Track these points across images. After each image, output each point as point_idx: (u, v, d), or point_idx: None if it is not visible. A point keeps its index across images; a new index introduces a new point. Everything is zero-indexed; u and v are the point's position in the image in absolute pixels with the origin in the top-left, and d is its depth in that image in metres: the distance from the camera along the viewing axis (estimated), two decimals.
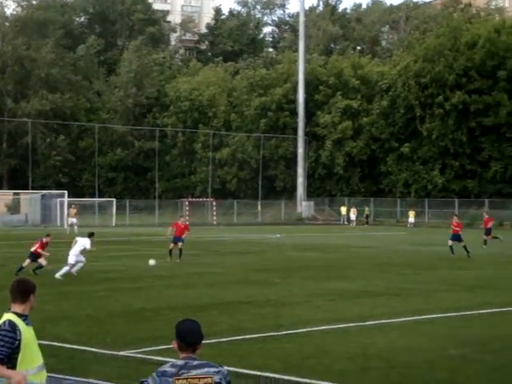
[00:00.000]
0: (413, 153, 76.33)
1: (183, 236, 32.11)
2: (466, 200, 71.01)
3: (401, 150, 76.86)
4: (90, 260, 31.29)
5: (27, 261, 25.56)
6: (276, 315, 17.15)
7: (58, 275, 23.98)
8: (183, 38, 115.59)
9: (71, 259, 25.04)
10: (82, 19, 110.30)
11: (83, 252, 25.29)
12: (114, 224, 66.83)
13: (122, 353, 12.86)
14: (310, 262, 31.94)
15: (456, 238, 34.18)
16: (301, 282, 23.79)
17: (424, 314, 17.24)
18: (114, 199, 71.17)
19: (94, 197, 75.68)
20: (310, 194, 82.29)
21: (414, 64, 77.30)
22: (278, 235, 50.06)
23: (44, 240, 26.17)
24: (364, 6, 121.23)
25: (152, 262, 27.36)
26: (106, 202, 72.94)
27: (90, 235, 25.93)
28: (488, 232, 40.23)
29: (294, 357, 12.67)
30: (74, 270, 25.04)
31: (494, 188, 71.94)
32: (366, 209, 73.28)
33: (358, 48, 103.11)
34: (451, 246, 33.83)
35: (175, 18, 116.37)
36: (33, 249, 25.97)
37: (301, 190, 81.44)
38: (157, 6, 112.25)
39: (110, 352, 12.89)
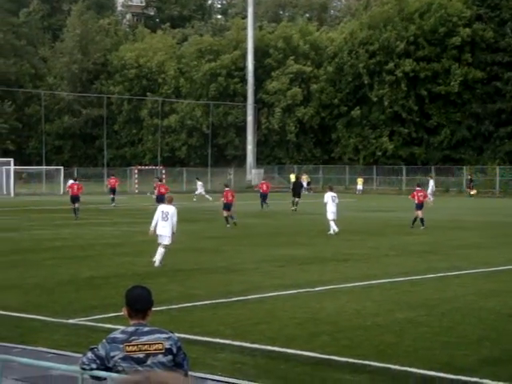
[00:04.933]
0: (362, 119, 76.81)
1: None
2: (414, 167, 71.85)
3: (351, 115, 77.19)
4: (38, 229, 31.03)
5: None
6: (226, 282, 17.21)
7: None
8: (130, 3, 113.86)
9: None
10: None
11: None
12: (61, 192, 66.02)
13: (71, 321, 12.78)
14: (259, 229, 32.05)
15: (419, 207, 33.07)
16: (250, 249, 23.89)
17: (372, 280, 17.45)
18: (62, 167, 70.25)
19: (42, 165, 74.58)
20: (261, 161, 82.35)
21: (361, 31, 77.57)
22: (210, 198, 49.90)
23: None
24: None
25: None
26: (53, 170, 71.98)
27: None
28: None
29: (245, 323, 12.75)
30: None
31: (441, 155, 72.96)
32: (307, 176, 73.18)
33: (307, 15, 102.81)
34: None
35: None
36: None
37: (250, 157, 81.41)
38: None
39: (58, 320, 12.81)
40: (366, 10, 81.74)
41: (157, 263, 19.66)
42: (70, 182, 45.60)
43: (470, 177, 66.60)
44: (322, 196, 32.18)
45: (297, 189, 45.20)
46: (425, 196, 33.67)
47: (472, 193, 63.81)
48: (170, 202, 20.39)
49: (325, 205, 30.11)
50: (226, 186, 35.61)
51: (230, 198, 33.24)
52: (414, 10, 75.05)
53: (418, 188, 33.64)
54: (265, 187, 45.40)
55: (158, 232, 19.90)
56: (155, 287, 12.06)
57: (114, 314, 12.67)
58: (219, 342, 11.31)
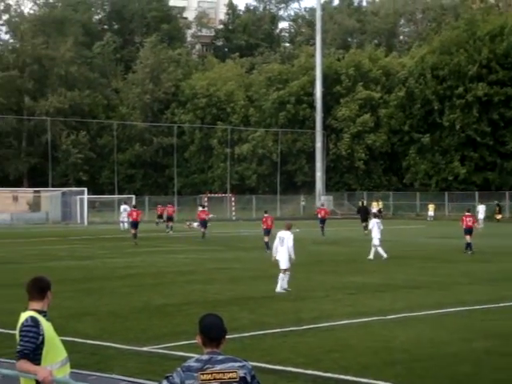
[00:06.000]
0: (433, 144, 76.04)
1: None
2: (486, 192, 70.58)
3: (421, 141, 76.58)
4: (111, 257, 31.52)
5: None
6: (297, 309, 17.15)
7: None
8: (199, 33, 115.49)
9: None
10: (100, 17, 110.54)
11: None
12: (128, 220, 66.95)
13: (144, 348, 12.91)
14: (330, 256, 31.90)
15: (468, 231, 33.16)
16: (320, 276, 23.76)
17: (445, 308, 17.16)
18: (134, 196, 71.32)
19: (114, 194, 75.84)
20: (330, 188, 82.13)
21: (431, 56, 76.96)
22: (298, 230, 49.91)
23: None
24: None
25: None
26: (125, 199, 73.11)
27: None
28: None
29: (316, 351, 12.65)
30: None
31: None
32: (380, 203, 72.80)
33: (375, 41, 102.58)
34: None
35: (192, 14, 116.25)
36: None
37: (319, 184, 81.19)
38: (173, 3, 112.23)
39: (132, 348, 12.95)
40: (437, 34, 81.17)
41: (278, 289, 20.10)
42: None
43: None
44: (392, 223, 32.10)
45: (362, 214, 45.62)
46: (473, 221, 33.96)
47: None
48: (288, 228, 21.00)
49: (370, 231, 30.53)
50: (266, 213, 36.71)
51: (270, 224, 34.23)
52: (485, 33, 74.12)
53: (467, 213, 33.95)
54: (323, 213, 46.88)
55: (277, 257, 20.65)
56: (226, 315, 12.10)
57: (186, 341, 12.77)
58: (291, 370, 11.26)
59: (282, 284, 20.28)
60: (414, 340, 13.57)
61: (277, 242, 20.79)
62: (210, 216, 47.27)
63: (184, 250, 35.19)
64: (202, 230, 43.53)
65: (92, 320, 15.93)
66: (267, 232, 33.90)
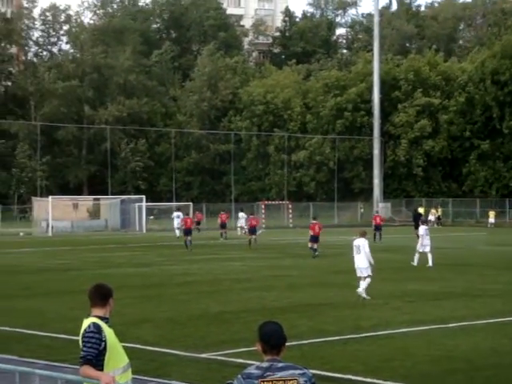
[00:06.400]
0: (494, 151, 74.92)
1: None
2: None
3: (481, 148, 75.57)
4: (168, 264, 31.80)
5: None
6: (355, 317, 17.05)
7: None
8: (256, 41, 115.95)
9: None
10: (158, 25, 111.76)
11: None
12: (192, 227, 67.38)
13: (203, 355, 12.97)
14: (388, 263, 31.57)
15: None
16: (379, 284, 23.52)
17: (507, 316, 16.86)
18: (191, 203, 71.75)
19: (172, 201, 76.44)
20: (388, 195, 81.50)
21: (492, 60, 75.84)
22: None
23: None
24: (438, 2, 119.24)
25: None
26: (183, 206, 73.64)
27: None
28: None
29: (376, 359, 12.56)
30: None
31: None
32: (439, 210, 72.06)
33: (434, 47, 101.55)
34: None
35: (249, 22, 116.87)
36: None
37: (377, 191, 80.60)
38: (230, 11, 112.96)
39: (191, 354, 13.03)
40: (497, 38, 79.99)
41: (364, 295, 20.16)
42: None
43: None
44: (451, 230, 31.74)
45: (416, 221, 45.98)
46: None
47: None
48: (363, 235, 21.42)
49: (421, 237, 30.32)
50: (314, 219, 37.38)
51: (317, 231, 34.85)
52: None
53: None
54: (378, 220, 47.59)
55: (356, 265, 20.95)
56: (285, 322, 12.08)
57: (244, 348, 12.80)
58: (351, 378, 11.19)
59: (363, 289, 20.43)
60: (475, 349, 13.36)
61: (355, 250, 21.04)
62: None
63: (241, 257, 35.29)
64: (253, 236, 42.86)
65: (151, 327, 16.08)
66: (314, 238, 34.63)
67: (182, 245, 40.85)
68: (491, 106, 74.57)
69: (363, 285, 20.42)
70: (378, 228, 46.60)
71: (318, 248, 34.67)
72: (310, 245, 34.81)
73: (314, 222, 36.30)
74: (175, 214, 55.90)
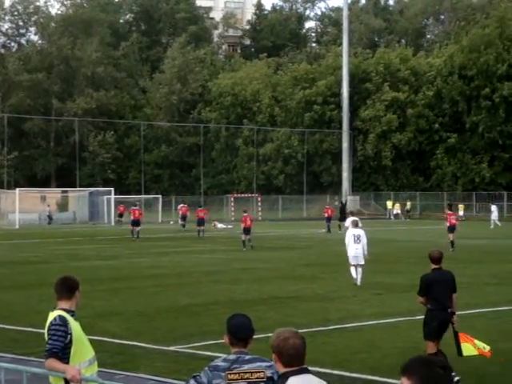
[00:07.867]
0: (461, 145, 75.54)
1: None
2: None
3: (448, 142, 76.16)
4: (137, 256, 31.69)
5: None
6: (324, 310, 17.11)
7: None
8: (226, 34, 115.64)
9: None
10: (128, 17, 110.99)
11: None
12: (160, 220, 67.29)
13: (171, 348, 12.94)
14: None
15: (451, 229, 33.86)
16: (347, 277, 23.65)
17: (474, 308, 17.04)
18: (160, 196, 71.60)
19: (141, 194, 76.19)
20: (357, 188, 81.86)
21: (460, 55, 76.34)
22: (324, 230, 49.94)
23: None
24: None
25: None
26: (152, 199, 73.43)
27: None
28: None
29: (344, 351, 12.62)
30: None
31: None
32: (408, 203, 72.58)
33: (403, 41, 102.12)
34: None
35: (219, 14, 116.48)
36: None
37: (346, 184, 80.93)
38: (200, 3, 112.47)
39: (159, 347, 12.98)
40: (466, 33, 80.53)
41: (359, 282, 21.26)
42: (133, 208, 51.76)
43: None
44: (419, 223, 31.86)
45: (342, 212, 50.39)
46: (456, 219, 35.59)
47: None
48: (356, 225, 22.32)
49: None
50: (245, 212, 38.12)
51: (249, 223, 35.99)
52: None
53: (449, 211, 35.14)
54: (330, 212, 49.95)
55: (352, 254, 21.53)
56: (253, 315, 12.08)
57: (212, 341, 12.78)
58: (318, 370, 11.20)
59: (357, 276, 21.38)
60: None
61: (350, 239, 21.65)
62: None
63: (210, 249, 35.27)
64: (201, 227, 44.93)
65: (119, 319, 16.01)
66: (246, 231, 35.61)
67: (149, 237, 40.76)
68: (458, 101, 75.13)
69: (359, 274, 21.38)
70: (329, 220, 49.10)
71: (251, 239, 35.52)
72: (242, 237, 35.56)
73: (246, 214, 37.09)
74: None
